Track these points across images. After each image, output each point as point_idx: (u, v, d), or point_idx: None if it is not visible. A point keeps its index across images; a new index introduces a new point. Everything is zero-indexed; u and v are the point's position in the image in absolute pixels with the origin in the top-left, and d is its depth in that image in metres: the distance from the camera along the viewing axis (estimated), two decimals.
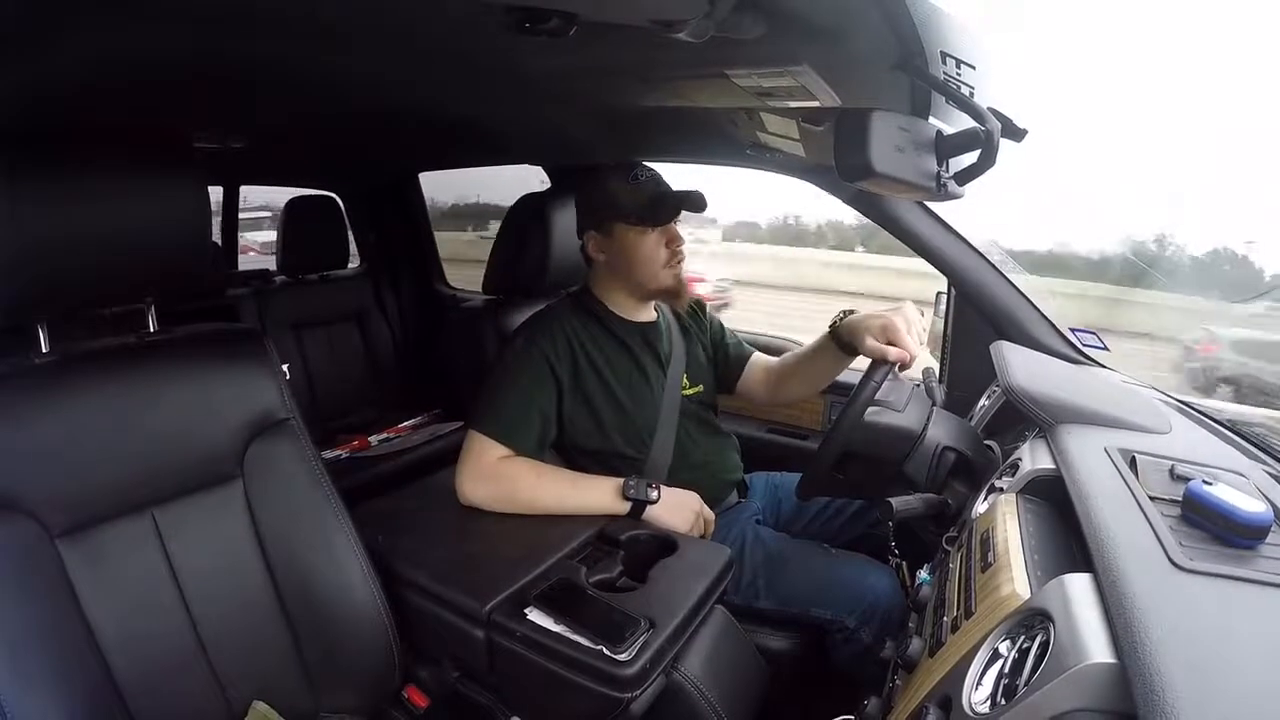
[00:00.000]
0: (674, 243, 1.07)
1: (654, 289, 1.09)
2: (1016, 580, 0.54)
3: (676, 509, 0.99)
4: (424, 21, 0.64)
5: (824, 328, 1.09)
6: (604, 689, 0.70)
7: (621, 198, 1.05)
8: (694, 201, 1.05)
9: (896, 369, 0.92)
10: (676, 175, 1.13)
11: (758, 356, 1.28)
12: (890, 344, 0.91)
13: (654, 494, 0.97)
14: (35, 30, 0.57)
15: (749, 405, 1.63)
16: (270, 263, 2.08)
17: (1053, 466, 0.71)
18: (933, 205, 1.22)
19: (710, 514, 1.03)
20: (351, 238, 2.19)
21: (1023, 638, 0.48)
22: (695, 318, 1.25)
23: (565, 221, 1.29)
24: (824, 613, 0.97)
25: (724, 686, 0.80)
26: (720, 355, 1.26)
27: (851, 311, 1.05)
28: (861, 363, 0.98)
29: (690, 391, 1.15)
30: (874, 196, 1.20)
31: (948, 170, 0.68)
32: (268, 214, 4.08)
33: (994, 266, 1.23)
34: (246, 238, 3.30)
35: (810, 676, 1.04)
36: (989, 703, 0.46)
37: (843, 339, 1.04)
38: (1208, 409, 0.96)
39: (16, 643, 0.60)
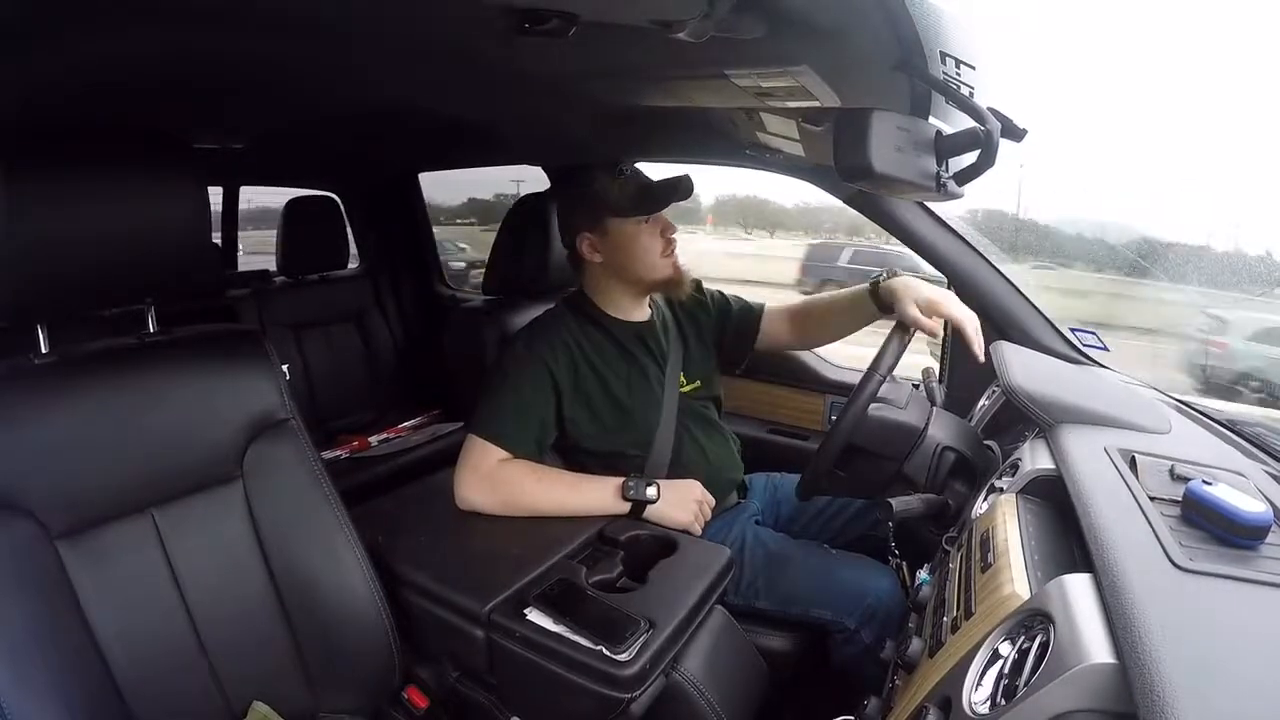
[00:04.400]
0: (668, 231, 1.08)
1: (653, 280, 1.09)
2: (1016, 581, 0.54)
3: (677, 504, 0.99)
4: (424, 22, 0.64)
5: None
6: (604, 689, 0.70)
7: (612, 193, 1.05)
8: (683, 188, 1.06)
9: (895, 372, 0.92)
10: (699, 173, 1.13)
11: (773, 306, 1.25)
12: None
13: (653, 492, 0.97)
14: (35, 30, 0.57)
15: (749, 404, 1.64)
16: None
17: (1052, 467, 0.71)
18: (931, 204, 1.22)
19: (711, 498, 1.03)
20: (351, 238, 2.19)
21: (1023, 638, 0.48)
22: (696, 301, 1.23)
23: None
24: (824, 613, 0.97)
25: (724, 687, 0.80)
26: (730, 326, 1.23)
27: (896, 273, 1.05)
28: (861, 364, 0.98)
29: (688, 389, 1.15)
30: (873, 196, 1.21)
31: (947, 170, 0.68)
32: None
33: (993, 266, 1.23)
34: None
35: (810, 677, 1.04)
36: (989, 703, 0.46)
37: (882, 299, 1.04)
38: (1208, 409, 0.96)
39: (16, 643, 0.60)
